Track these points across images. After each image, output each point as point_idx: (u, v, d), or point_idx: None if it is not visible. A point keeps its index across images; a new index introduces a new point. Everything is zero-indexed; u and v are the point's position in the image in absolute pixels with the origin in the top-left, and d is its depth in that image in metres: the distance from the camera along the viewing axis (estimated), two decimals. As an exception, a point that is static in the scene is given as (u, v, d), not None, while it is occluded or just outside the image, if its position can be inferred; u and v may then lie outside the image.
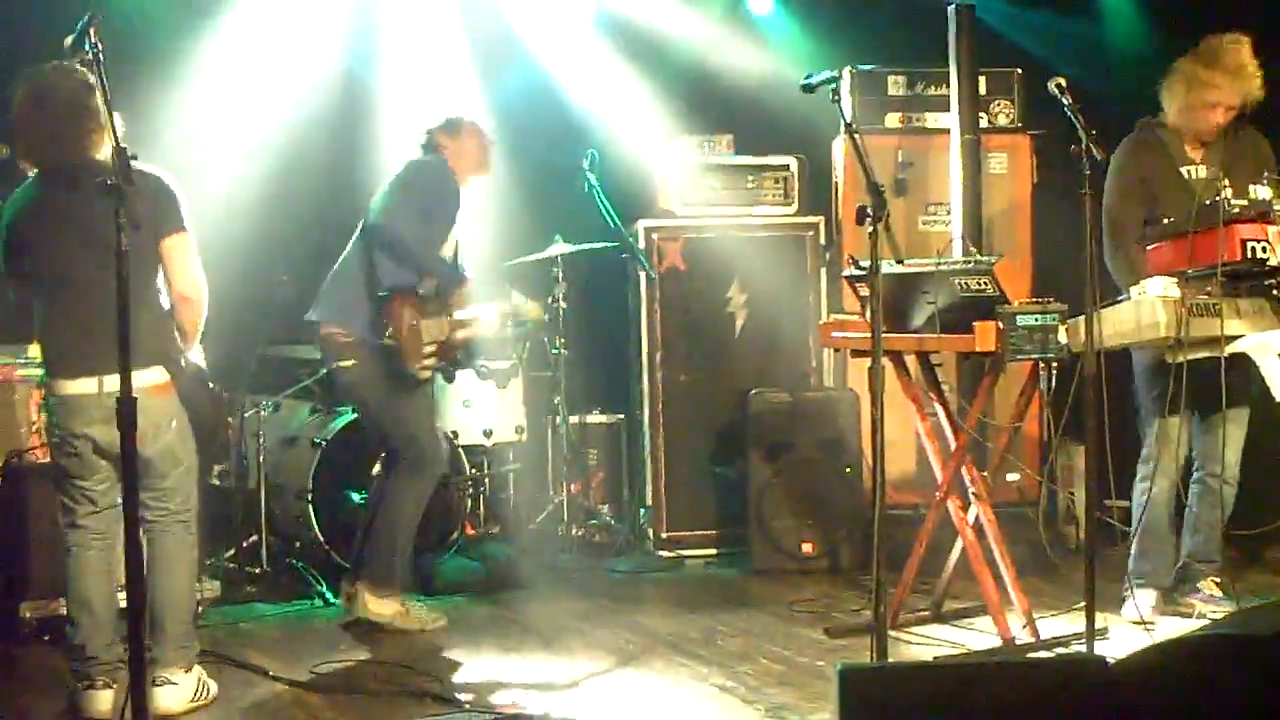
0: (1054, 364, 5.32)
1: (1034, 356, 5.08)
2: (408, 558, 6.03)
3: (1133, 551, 5.77)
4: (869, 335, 4.48)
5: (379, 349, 5.69)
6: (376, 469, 6.25)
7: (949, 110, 7.16)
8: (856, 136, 4.74)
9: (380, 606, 5.78)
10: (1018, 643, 5.23)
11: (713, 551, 7.33)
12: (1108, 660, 3.10)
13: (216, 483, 7.00)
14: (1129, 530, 5.81)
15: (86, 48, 3.75)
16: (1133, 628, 5.49)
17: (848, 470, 6.96)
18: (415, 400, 5.88)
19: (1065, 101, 4.96)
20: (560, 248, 7.26)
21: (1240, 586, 5.76)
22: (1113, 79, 7.60)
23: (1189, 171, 5.69)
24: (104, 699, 4.60)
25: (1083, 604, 4.94)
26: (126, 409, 3.61)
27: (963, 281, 5.16)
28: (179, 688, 4.69)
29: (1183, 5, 7.44)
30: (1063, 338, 5.01)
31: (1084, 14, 8.04)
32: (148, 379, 4.49)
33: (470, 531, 7.23)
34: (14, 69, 4.61)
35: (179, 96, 7.17)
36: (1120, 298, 5.33)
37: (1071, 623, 5.45)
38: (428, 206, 5.81)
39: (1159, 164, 5.69)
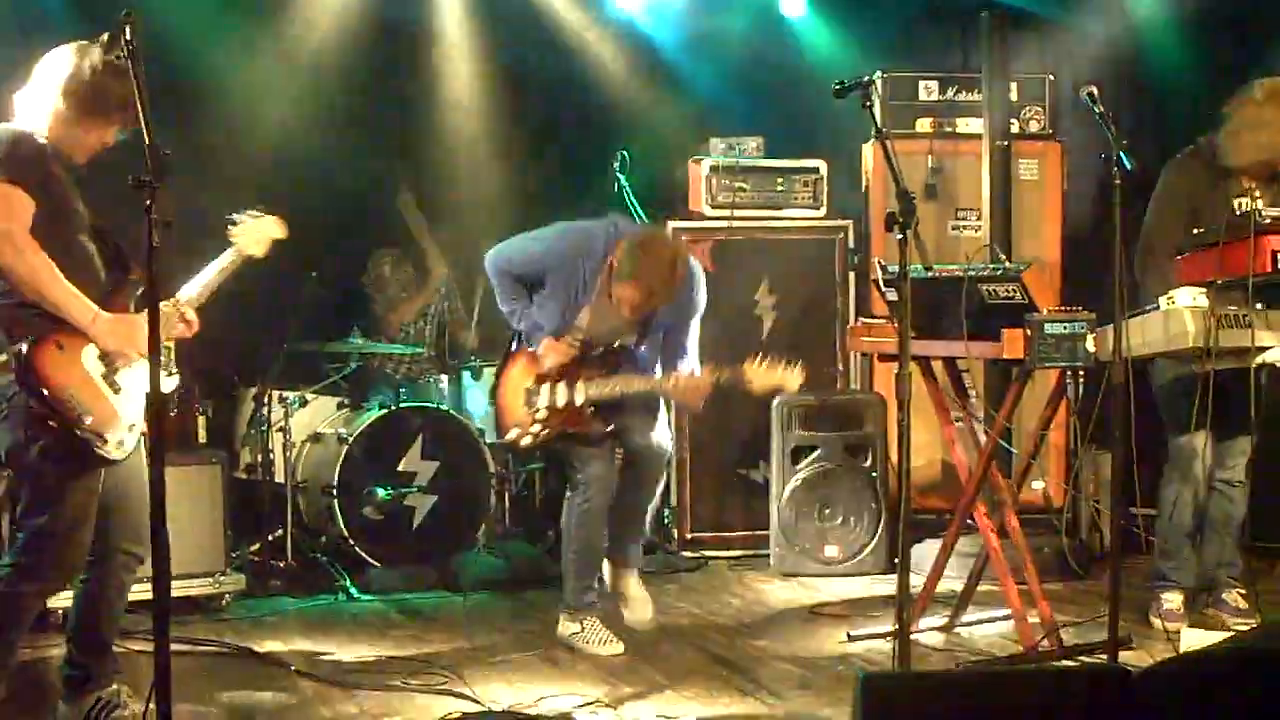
0: (1081, 372, 5.31)
1: (1062, 365, 5.08)
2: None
3: (1157, 554, 5.78)
4: (897, 340, 4.47)
5: None
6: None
7: (980, 116, 7.16)
8: (887, 143, 4.72)
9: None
10: (1040, 651, 5.22)
11: (736, 553, 7.32)
12: (1130, 671, 3.10)
13: (243, 476, 7.03)
14: (1154, 538, 5.80)
15: (122, 45, 3.75)
16: (1157, 639, 5.47)
17: (873, 474, 6.96)
18: None
19: (1097, 109, 4.94)
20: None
21: (1265, 599, 5.74)
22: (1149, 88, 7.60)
23: (1240, 204, 5.48)
24: None
25: (1106, 613, 4.93)
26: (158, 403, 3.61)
27: (991, 288, 5.16)
28: None
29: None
30: (1090, 346, 5.00)
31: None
32: None
33: (495, 529, 7.24)
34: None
35: (208, 88, 7.20)
36: (1149, 307, 5.30)
37: (1095, 632, 5.43)
38: None
39: (1211, 194, 5.53)
